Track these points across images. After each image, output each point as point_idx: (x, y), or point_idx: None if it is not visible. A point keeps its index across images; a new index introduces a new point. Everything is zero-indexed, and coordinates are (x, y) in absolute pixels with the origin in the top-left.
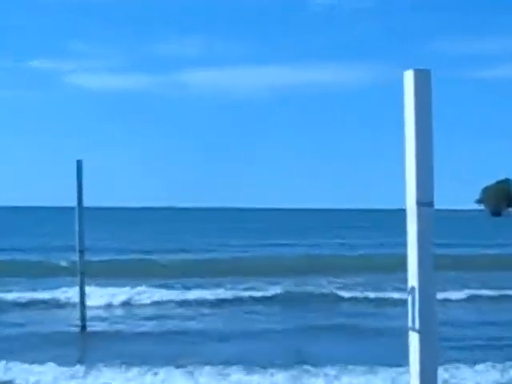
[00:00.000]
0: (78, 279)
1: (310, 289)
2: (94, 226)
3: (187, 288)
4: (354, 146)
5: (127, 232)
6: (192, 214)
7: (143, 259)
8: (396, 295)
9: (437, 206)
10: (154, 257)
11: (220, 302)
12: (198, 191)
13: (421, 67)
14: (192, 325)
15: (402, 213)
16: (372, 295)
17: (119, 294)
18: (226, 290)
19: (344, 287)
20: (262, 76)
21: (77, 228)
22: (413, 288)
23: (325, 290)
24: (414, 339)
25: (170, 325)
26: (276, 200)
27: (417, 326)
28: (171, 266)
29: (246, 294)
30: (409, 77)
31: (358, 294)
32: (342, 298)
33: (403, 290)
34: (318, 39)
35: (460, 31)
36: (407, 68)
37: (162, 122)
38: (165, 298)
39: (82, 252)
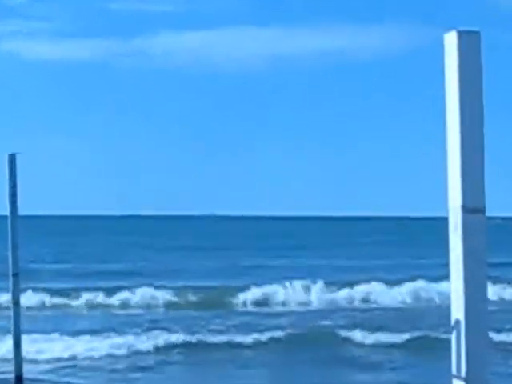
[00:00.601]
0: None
1: (317, 331)
2: (32, 241)
3: (152, 328)
4: (374, 135)
5: (76, 248)
6: (163, 225)
7: (97, 288)
8: (436, 335)
9: (489, 213)
10: (107, 283)
11: (198, 348)
12: (171, 194)
13: (467, 28)
14: (156, 381)
15: (442, 222)
16: (399, 338)
17: (66, 338)
18: (204, 332)
19: (360, 326)
20: (259, 42)
21: (10, 244)
22: (457, 322)
23: (339, 332)
24: None
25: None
26: (273, 205)
27: (463, 372)
28: (127, 300)
29: (232, 337)
30: (451, 41)
31: (381, 337)
32: (360, 344)
33: (443, 326)
34: None
35: None
36: (449, 30)
37: (123, 102)
38: (125, 343)
39: (16, 276)
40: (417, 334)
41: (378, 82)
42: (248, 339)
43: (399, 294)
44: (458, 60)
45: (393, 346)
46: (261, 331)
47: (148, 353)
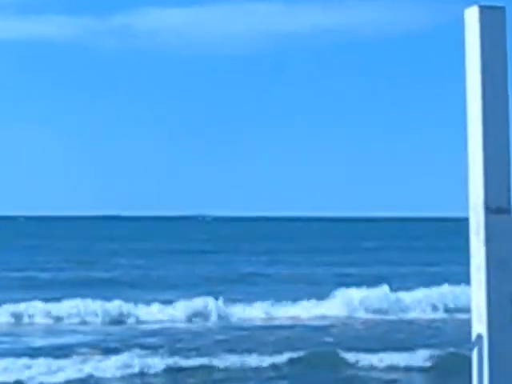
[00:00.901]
0: None
1: (322, 351)
2: None
3: (130, 346)
4: (387, 126)
5: (49, 253)
6: (147, 227)
7: (70, 298)
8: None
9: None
10: (81, 293)
11: (181, 372)
12: (156, 193)
13: (490, 3)
14: None
15: (462, 224)
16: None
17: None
18: (190, 352)
19: (371, 345)
20: (256, 18)
21: None
22: (479, 337)
23: (347, 353)
24: None
25: None
26: (271, 205)
27: None
28: (105, 314)
29: (224, 359)
30: (472, 17)
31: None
32: (371, 366)
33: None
34: None
35: None
36: (469, 4)
37: (103, 87)
38: (98, 365)
39: None
40: (438, 352)
41: (383, 61)
42: (245, 361)
43: (415, 305)
44: (480, 39)
45: (411, 368)
46: (258, 353)
47: (121, 378)
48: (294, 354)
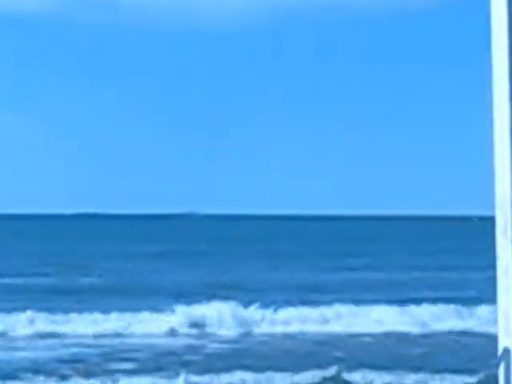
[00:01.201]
0: None
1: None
2: None
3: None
4: (392, 115)
5: (23, 255)
6: (133, 226)
7: (43, 309)
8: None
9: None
10: (57, 303)
11: None
12: (144, 189)
13: None
14: None
15: (488, 223)
16: None
17: None
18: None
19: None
20: None
21: None
22: (506, 352)
23: (363, 374)
24: None
25: None
26: (269, 202)
27: None
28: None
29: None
30: None
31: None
32: None
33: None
34: None
35: None
36: None
37: (85, 67)
38: None
39: None
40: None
41: (388, 40)
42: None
43: (443, 319)
44: (508, 15)
45: None
46: (256, 371)
47: None
48: (318, 372)
